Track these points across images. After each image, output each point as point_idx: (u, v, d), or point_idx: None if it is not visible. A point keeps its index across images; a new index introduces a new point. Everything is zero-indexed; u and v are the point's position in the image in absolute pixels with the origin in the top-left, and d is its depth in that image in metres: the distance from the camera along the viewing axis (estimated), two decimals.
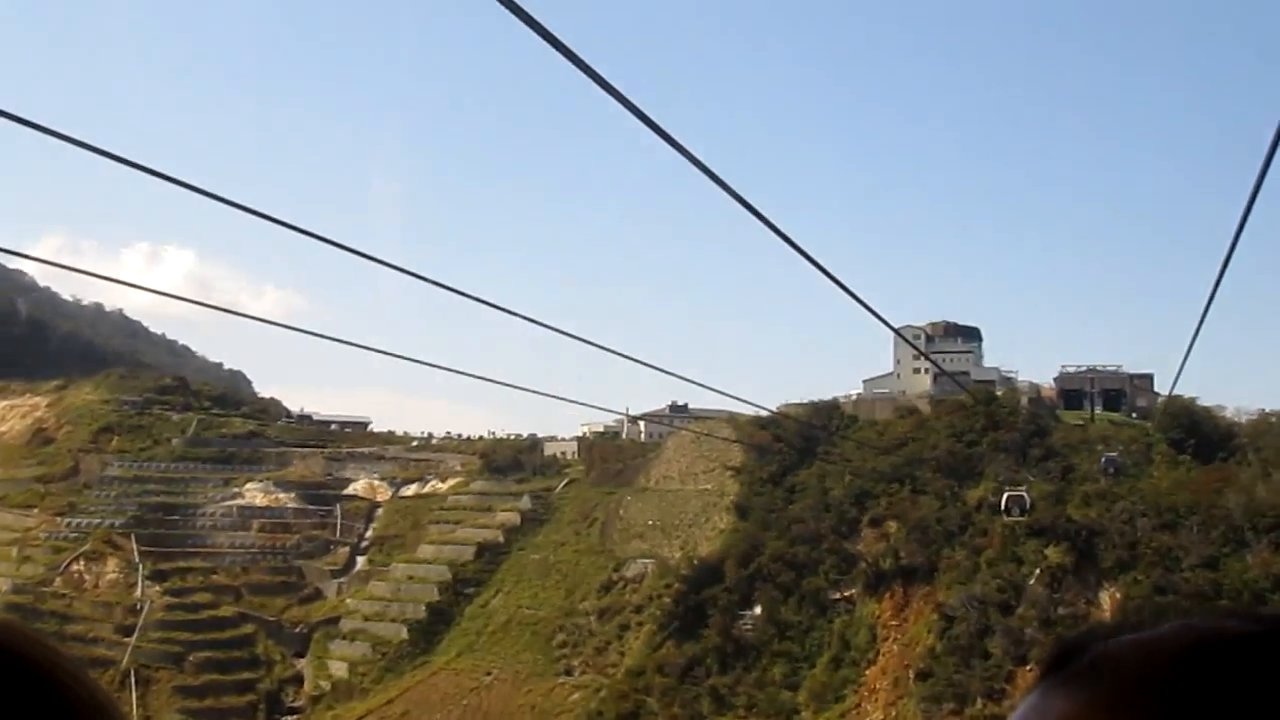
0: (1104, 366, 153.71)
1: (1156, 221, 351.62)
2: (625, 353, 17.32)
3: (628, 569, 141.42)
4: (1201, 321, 16.07)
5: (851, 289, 12.32)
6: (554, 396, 31.45)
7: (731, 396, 25.85)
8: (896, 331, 33.68)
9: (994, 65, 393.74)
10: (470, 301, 13.53)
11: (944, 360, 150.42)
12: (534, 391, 32.93)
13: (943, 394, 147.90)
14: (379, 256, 12.37)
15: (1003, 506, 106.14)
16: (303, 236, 11.43)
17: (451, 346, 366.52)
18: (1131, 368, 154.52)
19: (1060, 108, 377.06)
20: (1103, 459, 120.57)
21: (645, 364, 19.51)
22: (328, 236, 11.86)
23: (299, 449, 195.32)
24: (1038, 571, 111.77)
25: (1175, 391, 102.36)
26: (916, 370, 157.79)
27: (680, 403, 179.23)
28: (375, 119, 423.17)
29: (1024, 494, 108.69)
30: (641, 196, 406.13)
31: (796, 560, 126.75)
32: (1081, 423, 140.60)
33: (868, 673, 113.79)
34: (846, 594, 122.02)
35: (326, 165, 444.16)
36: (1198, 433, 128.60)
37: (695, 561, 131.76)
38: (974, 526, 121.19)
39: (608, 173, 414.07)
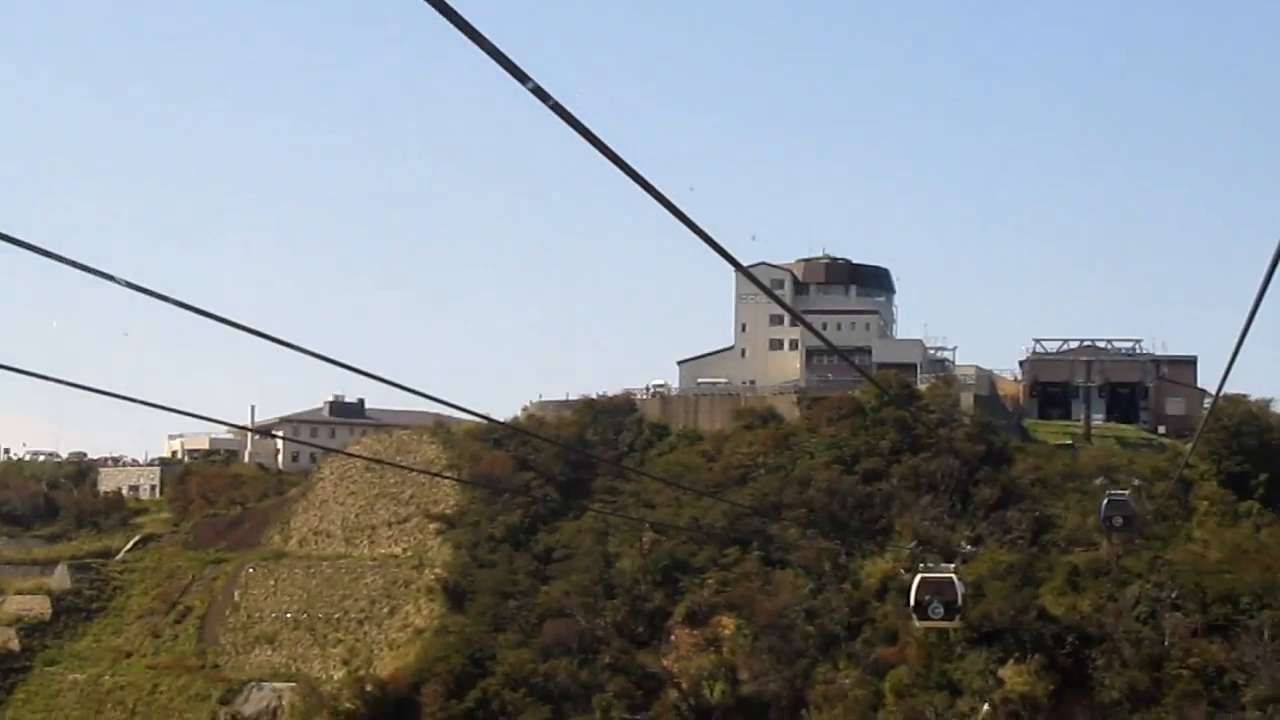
0: (1108, 342, 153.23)
1: (1187, 119, 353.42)
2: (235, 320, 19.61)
3: (245, 700, 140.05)
4: (1273, 271, 16.17)
5: (657, 189, 14.18)
6: (104, 393, 23.85)
7: (427, 397, 25.34)
8: (738, 265, 22.49)
9: None
10: None
11: (828, 326, 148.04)
12: (65, 383, 23.61)
13: (823, 385, 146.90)
14: None
15: (912, 599, 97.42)
16: None
17: None
18: (1155, 345, 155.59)
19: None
20: (1105, 501, 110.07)
21: (263, 335, 20.81)
22: None
23: None
24: (986, 707, 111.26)
25: (1230, 390, 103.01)
26: (776, 344, 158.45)
27: (349, 399, 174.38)
28: None
29: (952, 578, 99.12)
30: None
31: (553, 685, 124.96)
32: (1069, 441, 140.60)
33: None
34: None
35: None
36: (1274, 463, 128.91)
37: (369, 688, 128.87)
38: (874, 626, 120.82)
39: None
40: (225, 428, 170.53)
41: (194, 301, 19.15)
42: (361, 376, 23.61)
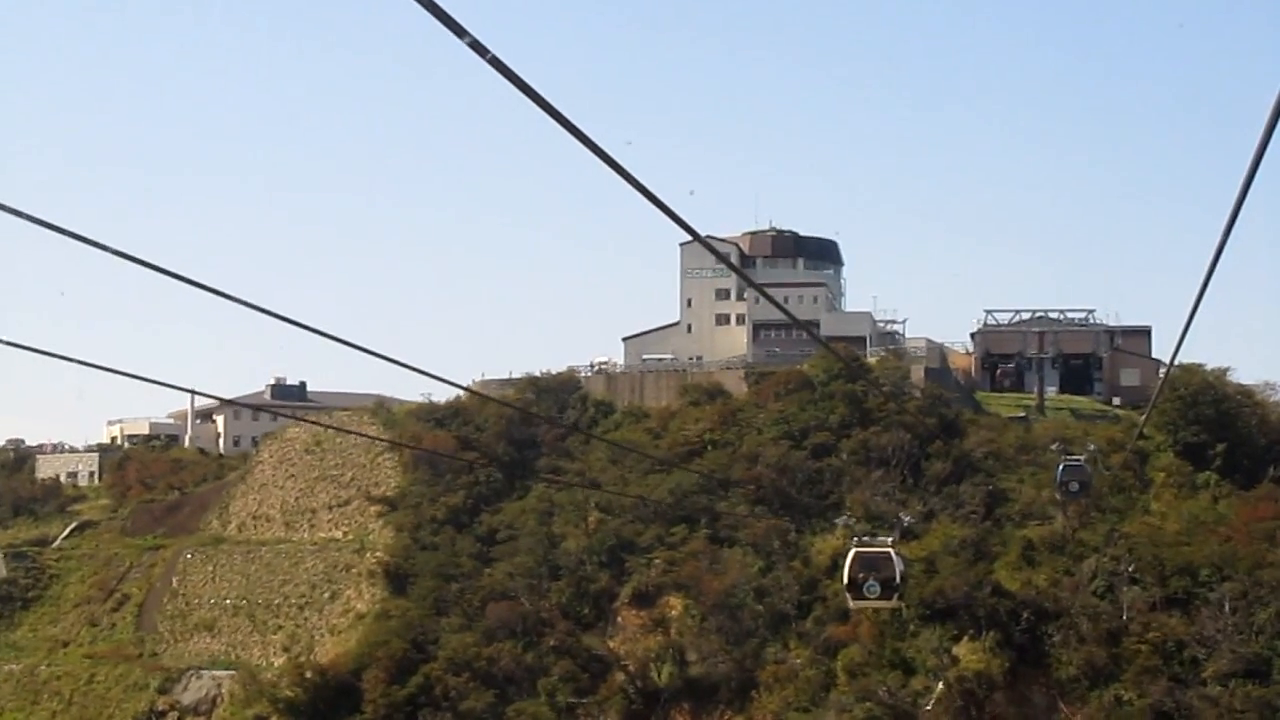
0: (1060, 313, 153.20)
1: (1146, 79, 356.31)
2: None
3: (184, 689, 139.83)
4: (1228, 232, 16.66)
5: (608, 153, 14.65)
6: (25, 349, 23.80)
7: (377, 355, 26.27)
8: (689, 229, 20.21)
9: None
10: None
11: (778, 297, 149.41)
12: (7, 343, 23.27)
13: (770, 360, 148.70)
14: None
15: (845, 577, 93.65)
16: None
17: None
18: (1108, 315, 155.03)
19: None
20: (1060, 467, 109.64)
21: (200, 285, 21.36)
22: None
23: None
24: (941, 686, 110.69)
25: (1185, 359, 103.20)
26: (722, 319, 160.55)
27: (291, 382, 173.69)
28: None
29: (891, 552, 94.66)
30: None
31: (496, 669, 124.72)
32: (1023, 413, 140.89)
33: None
34: None
35: None
36: (1231, 432, 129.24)
37: (309, 674, 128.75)
38: (825, 604, 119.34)
39: None
40: (166, 414, 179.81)
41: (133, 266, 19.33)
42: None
